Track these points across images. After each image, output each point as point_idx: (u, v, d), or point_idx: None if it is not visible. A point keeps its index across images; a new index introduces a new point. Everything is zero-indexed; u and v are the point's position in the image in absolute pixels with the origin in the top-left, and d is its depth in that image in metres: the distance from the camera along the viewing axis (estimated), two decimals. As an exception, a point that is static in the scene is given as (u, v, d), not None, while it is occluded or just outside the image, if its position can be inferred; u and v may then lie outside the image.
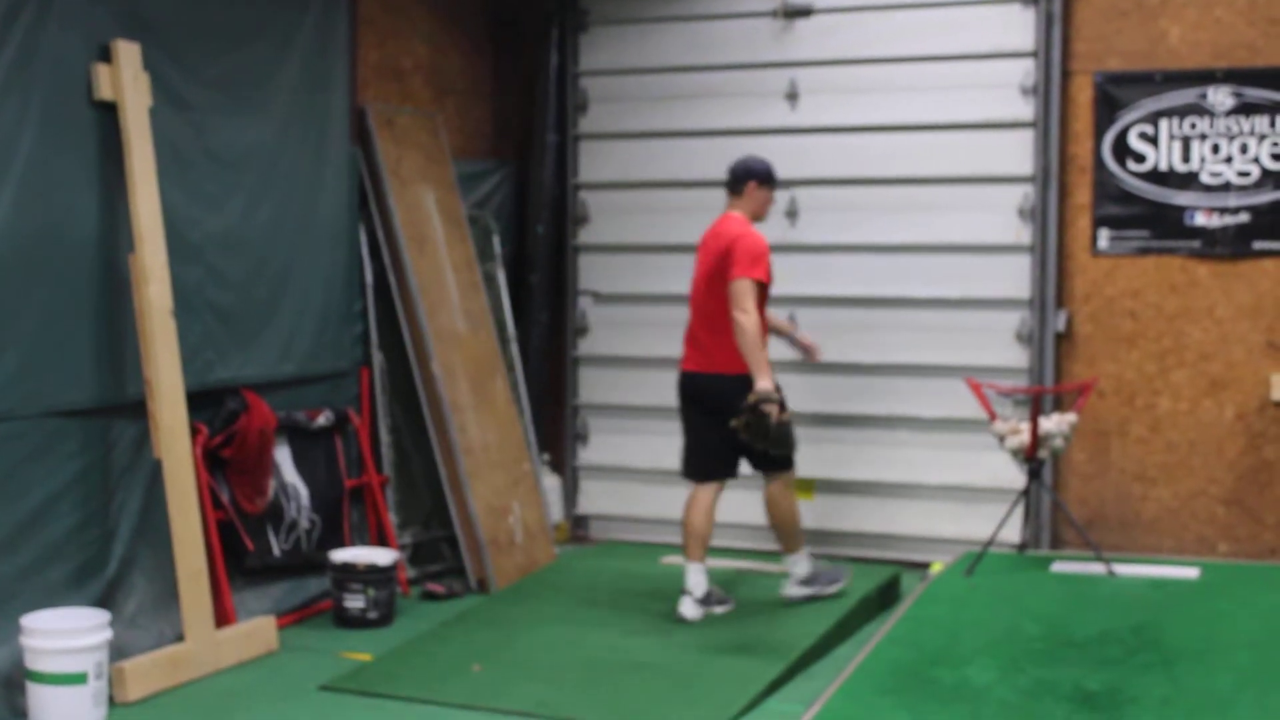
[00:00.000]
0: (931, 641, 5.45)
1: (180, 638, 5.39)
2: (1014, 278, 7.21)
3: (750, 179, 6.19)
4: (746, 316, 5.89)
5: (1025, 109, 7.14)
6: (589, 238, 8.05)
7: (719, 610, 6.24)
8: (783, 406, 5.93)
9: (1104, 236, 7.13)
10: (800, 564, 6.36)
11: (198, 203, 5.77)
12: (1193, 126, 6.96)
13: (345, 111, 6.65)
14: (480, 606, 6.40)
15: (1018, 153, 7.17)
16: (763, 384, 5.85)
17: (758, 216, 6.25)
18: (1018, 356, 7.19)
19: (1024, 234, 7.17)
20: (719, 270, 6.06)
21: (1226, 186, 6.93)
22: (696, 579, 6.18)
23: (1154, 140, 7.02)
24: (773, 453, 6.05)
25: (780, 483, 6.27)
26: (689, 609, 6.15)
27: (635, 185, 7.92)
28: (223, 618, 5.64)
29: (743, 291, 5.92)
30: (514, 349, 7.66)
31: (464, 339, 7.10)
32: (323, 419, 6.41)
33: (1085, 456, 7.20)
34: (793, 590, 6.37)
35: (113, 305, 5.34)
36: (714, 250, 6.13)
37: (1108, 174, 7.09)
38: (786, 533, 6.32)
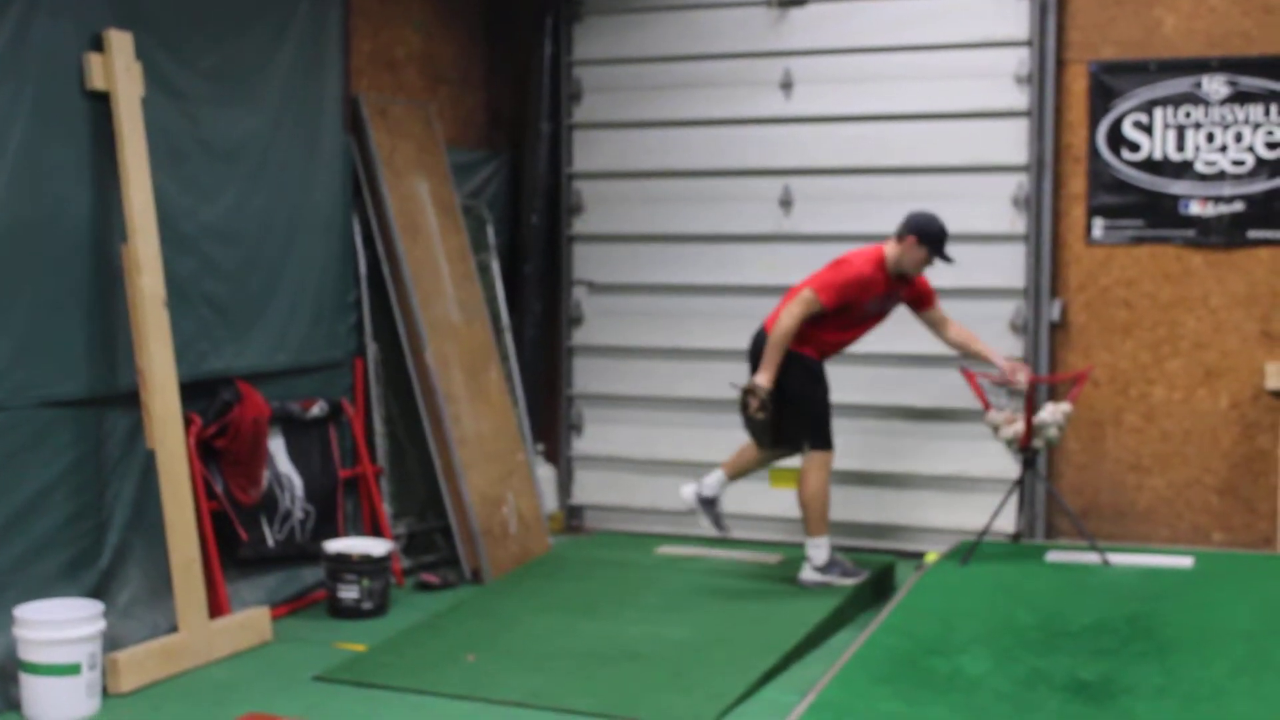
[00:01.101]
0: (926, 631, 5.45)
1: (174, 628, 5.39)
2: (1009, 267, 7.21)
3: (912, 233, 6.32)
4: (789, 320, 6.24)
5: (1020, 98, 7.14)
6: (583, 227, 8.04)
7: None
8: (764, 406, 6.18)
9: (1099, 226, 7.13)
10: (819, 551, 6.41)
11: (191, 193, 5.76)
12: (1187, 115, 6.96)
13: (339, 101, 6.64)
14: (474, 597, 6.40)
15: (1012, 142, 7.16)
16: (759, 378, 6.24)
17: (903, 268, 6.37)
18: (1012, 346, 7.19)
19: (1018, 223, 7.17)
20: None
21: (1221, 175, 6.93)
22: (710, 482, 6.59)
23: (1149, 129, 7.02)
24: (748, 432, 6.44)
25: (811, 463, 6.41)
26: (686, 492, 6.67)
27: (629, 175, 7.91)
28: (217, 608, 5.64)
29: (802, 300, 6.28)
30: (508, 339, 7.65)
31: (458, 329, 7.09)
32: (317, 409, 6.41)
33: (1080, 446, 7.21)
34: (806, 575, 6.45)
35: (105, 296, 5.32)
36: (832, 261, 6.46)
37: (1102, 163, 7.09)
38: (809, 515, 6.42)
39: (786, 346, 6.23)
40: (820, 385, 6.42)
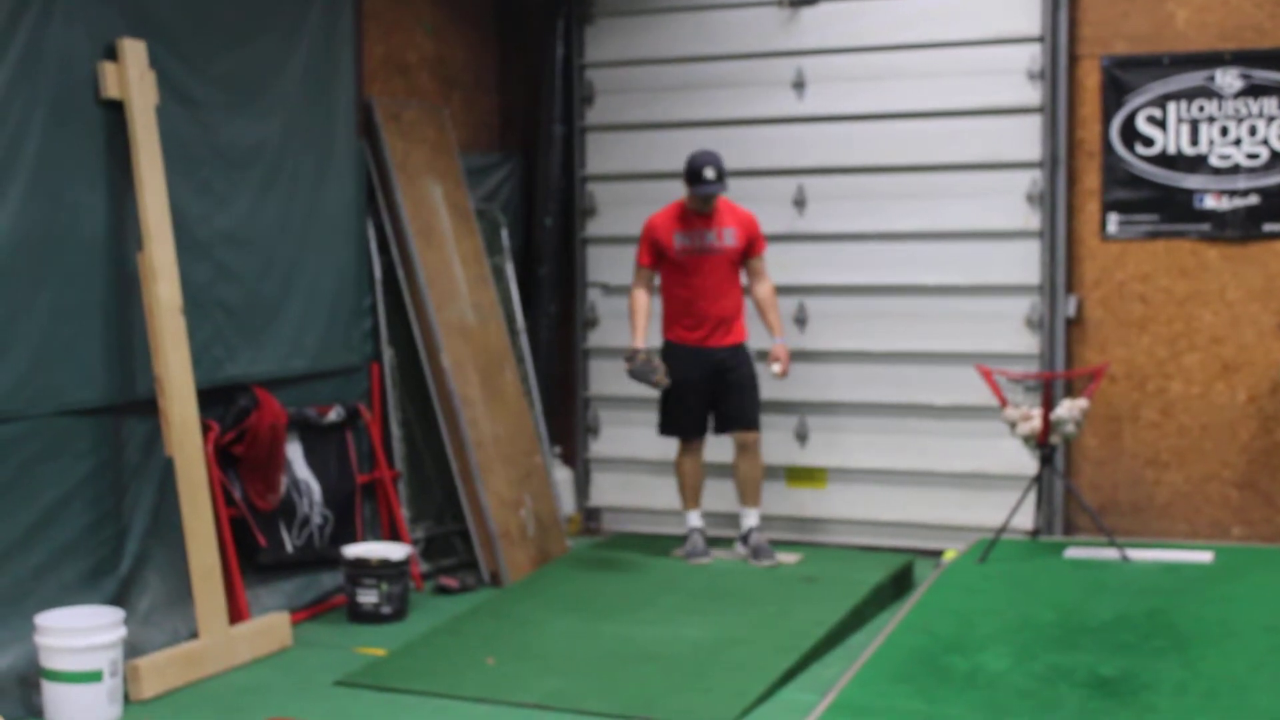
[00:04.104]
0: (945, 629, 5.44)
1: (194, 635, 5.41)
2: (1023, 264, 7.19)
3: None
4: (632, 288, 6.97)
5: (1033, 94, 7.12)
6: (597, 230, 8.04)
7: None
8: (630, 358, 6.73)
9: (1113, 221, 7.11)
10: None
11: (205, 199, 5.78)
12: (1201, 109, 6.94)
13: (351, 106, 6.65)
14: (493, 600, 6.41)
15: (1026, 138, 7.15)
16: (631, 342, 6.89)
17: (694, 204, 6.84)
18: (1028, 342, 7.18)
19: (1033, 220, 7.16)
20: None
21: (1235, 169, 6.91)
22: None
23: (1162, 124, 7.00)
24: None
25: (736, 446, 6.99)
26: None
27: (643, 177, 7.90)
28: (236, 614, 5.65)
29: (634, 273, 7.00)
30: (524, 342, 7.66)
31: (473, 332, 7.10)
32: (334, 415, 6.42)
33: (1097, 442, 7.19)
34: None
35: (122, 303, 5.35)
36: None
37: (1116, 158, 7.07)
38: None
39: (638, 312, 6.85)
40: (675, 371, 6.79)
